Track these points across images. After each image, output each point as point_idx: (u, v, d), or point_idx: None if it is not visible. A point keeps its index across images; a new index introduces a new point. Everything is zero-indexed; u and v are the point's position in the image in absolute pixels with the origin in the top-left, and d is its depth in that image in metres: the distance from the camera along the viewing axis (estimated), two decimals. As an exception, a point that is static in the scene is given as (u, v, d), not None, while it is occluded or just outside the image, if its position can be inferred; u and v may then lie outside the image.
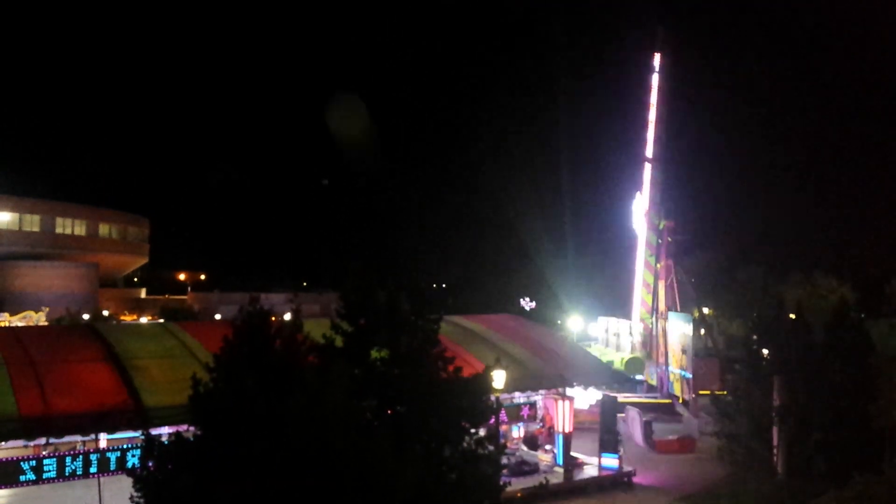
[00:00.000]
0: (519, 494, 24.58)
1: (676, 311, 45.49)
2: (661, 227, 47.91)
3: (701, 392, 41.28)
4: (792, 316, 32.06)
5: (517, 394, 28.03)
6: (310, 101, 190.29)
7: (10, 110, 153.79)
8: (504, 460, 18.83)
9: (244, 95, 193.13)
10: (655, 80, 49.90)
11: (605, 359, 49.45)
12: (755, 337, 32.04)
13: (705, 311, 58.75)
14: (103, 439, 20.45)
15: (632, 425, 36.48)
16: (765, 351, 30.77)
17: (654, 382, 45.94)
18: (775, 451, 29.19)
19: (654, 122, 49.55)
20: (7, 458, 19.36)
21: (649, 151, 49.66)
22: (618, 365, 44.27)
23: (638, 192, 50.28)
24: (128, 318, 70.58)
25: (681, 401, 42.30)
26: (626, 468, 29.27)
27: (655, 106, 49.63)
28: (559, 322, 66.12)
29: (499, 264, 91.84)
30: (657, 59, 50.11)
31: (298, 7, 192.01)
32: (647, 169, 49.60)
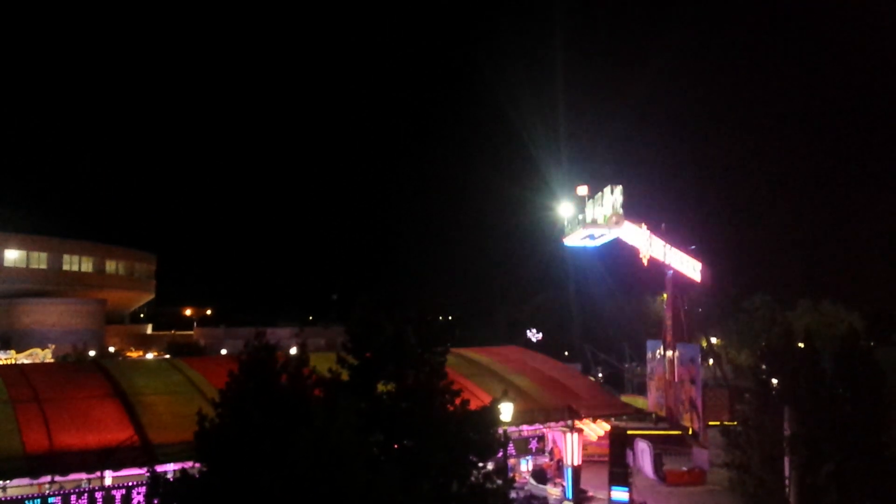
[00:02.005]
0: (528, 529, 24.28)
1: (684, 340, 45.19)
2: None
3: (710, 423, 40.89)
4: (800, 345, 31.72)
5: (525, 427, 27.78)
6: (312, 130, 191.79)
7: (16, 148, 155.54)
8: (512, 495, 18.62)
9: (247, 129, 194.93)
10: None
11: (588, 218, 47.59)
12: (764, 366, 31.73)
13: (713, 340, 58.42)
14: (109, 476, 20.31)
15: (642, 457, 36.09)
16: (774, 380, 30.48)
17: (662, 413, 45.57)
18: (787, 482, 28.79)
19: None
20: (12, 497, 19.23)
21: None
22: (601, 221, 45.00)
23: (643, 224, 49.73)
24: (134, 355, 70.32)
25: (690, 432, 41.90)
26: (637, 501, 28.92)
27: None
28: (567, 353, 65.74)
29: (505, 296, 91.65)
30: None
31: (305, 32, 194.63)
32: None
